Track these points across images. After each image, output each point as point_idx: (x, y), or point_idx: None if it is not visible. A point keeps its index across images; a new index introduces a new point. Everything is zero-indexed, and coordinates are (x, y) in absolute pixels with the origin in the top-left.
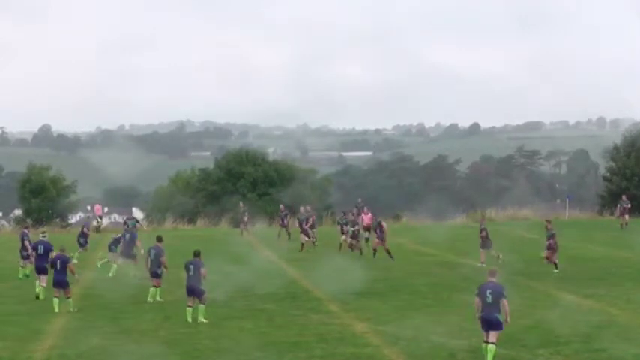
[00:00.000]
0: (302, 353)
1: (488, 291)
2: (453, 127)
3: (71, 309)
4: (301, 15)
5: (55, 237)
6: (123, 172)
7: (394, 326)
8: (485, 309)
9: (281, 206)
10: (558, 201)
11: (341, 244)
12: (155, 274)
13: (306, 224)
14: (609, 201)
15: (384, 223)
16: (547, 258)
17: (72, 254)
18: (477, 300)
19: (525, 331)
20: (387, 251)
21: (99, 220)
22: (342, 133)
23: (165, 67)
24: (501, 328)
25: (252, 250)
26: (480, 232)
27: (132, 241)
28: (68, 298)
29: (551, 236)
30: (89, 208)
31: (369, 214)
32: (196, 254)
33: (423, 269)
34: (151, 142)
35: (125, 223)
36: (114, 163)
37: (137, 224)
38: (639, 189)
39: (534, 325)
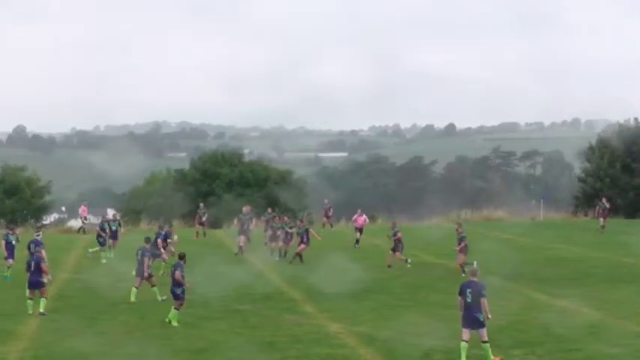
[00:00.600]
0: (277, 354)
1: (468, 290)
2: (429, 128)
3: (42, 310)
4: (278, 15)
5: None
6: (98, 173)
7: (369, 327)
8: (466, 308)
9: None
10: (533, 202)
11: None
12: (142, 275)
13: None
14: (584, 202)
15: (312, 230)
16: (461, 265)
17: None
18: (459, 299)
19: (500, 331)
20: (299, 255)
21: (84, 221)
22: (318, 134)
23: (142, 68)
24: (483, 327)
25: (227, 251)
26: (394, 235)
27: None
28: (43, 297)
29: (461, 239)
30: (64, 209)
31: (364, 216)
32: (180, 257)
33: (399, 270)
34: (126, 142)
35: (107, 222)
36: (89, 164)
37: (120, 227)
38: (613, 190)
39: (509, 325)
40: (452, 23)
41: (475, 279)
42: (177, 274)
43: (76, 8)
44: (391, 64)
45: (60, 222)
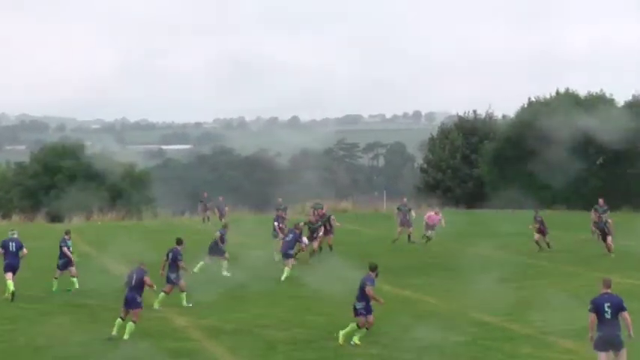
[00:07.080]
0: (124, 349)
1: (606, 305)
2: (273, 120)
3: None
4: (124, 6)
5: None
6: None
7: (215, 320)
8: (604, 327)
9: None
10: (376, 193)
11: None
12: (168, 280)
13: None
14: (425, 192)
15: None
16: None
17: None
18: (592, 317)
19: (345, 321)
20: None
21: None
22: (161, 126)
23: None
24: (623, 346)
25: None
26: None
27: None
28: None
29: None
30: None
31: (434, 213)
32: (372, 269)
33: (244, 262)
34: None
35: None
36: None
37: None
38: (453, 181)
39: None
40: (299, 13)
41: (610, 291)
42: (369, 289)
43: None
44: (232, 54)
45: None
